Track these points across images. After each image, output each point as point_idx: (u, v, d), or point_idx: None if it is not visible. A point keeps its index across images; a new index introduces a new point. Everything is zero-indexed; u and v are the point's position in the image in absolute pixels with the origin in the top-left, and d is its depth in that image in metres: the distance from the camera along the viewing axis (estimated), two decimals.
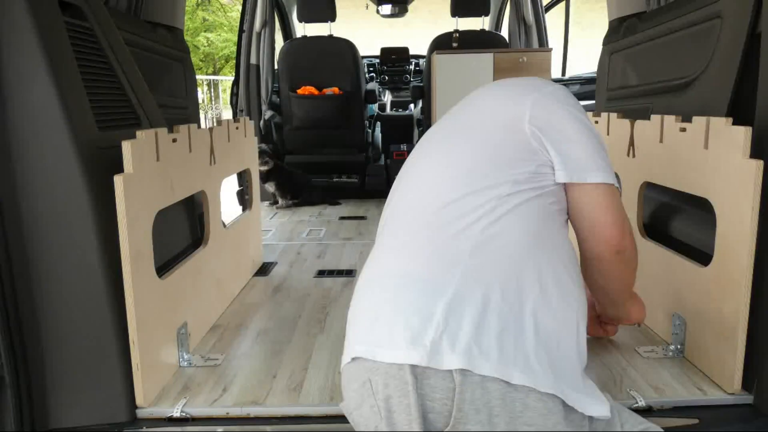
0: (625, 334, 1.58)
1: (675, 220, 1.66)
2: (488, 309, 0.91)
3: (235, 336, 1.64)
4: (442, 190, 1.02)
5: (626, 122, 1.68)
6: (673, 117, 1.36)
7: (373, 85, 5.00)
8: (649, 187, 1.68)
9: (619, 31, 2.24)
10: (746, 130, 1.19)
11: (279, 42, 4.47)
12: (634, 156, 1.71)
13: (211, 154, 1.71)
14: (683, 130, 1.31)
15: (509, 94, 1.12)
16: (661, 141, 1.49)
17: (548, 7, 4.55)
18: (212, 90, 13.96)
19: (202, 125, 2.03)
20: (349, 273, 2.22)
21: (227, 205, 2.73)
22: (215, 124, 1.81)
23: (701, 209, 1.47)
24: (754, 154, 1.21)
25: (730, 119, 1.25)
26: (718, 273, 1.29)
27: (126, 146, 1.19)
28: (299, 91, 3.88)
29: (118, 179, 1.15)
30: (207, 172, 1.68)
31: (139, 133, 1.25)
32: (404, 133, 4.67)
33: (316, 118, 3.83)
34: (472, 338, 0.88)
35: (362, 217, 3.30)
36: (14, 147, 1.14)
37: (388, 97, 5.31)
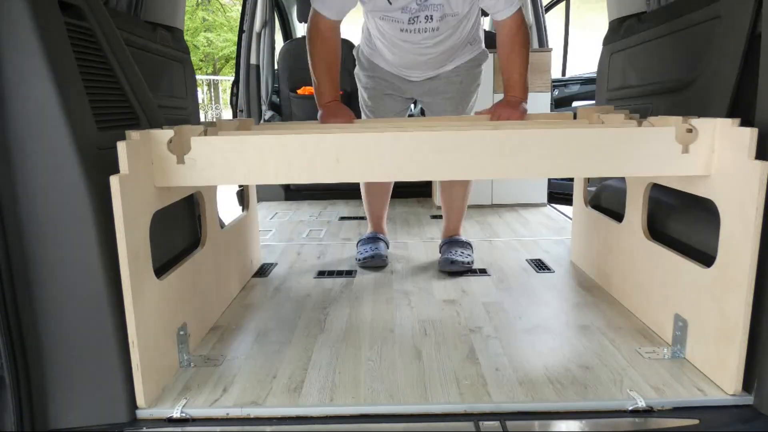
0: (626, 335, 1.59)
1: (679, 221, 1.66)
2: None
3: (235, 336, 1.64)
4: None
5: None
6: (680, 118, 1.37)
7: None
8: (654, 188, 1.68)
9: (619, 31, 2.24)
10: (752, 131, 1.19)
11: (279, 42, 4.47)
12: None
13: None
14: (690, 130, 1.31)
15: None
16: None
17: (548, 7, 4.55)
18: (212, 90, 13.97)
19: None
20: (349, 273, 2.22)
21: (228, 206, 2.73)
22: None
23: (706, 210, 1.46)
24: (757, 155, 1.21)
25: (737, 120, 1.25)
26: (721, 274, 1.29)
27: (121, 147, 1.19)
28: (299, 92, 3.88)
29: (113, 180, 1.15)
30: None
31: (131, 133, 1.25)
32: None
33: (317, 118, 3.82)
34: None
35: (362, 218, 3.30)
36: (14, 147, 1.14)
37: None
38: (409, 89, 2.22)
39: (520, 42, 1.93)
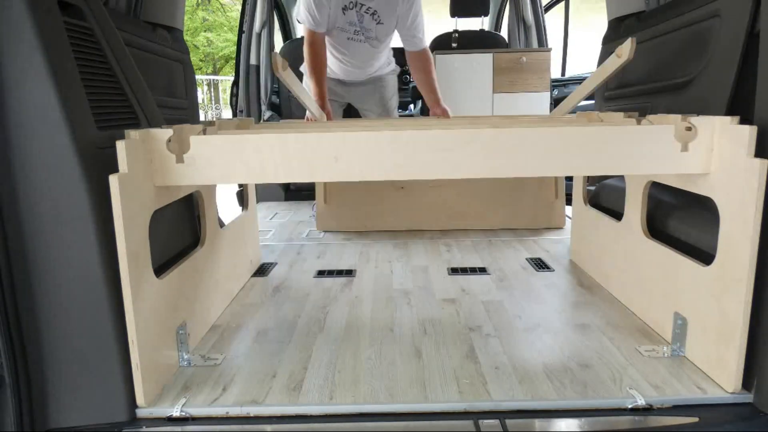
0: (625, 333, 1.59)
1: (678, 219, 1.66)
2: None
3: (234, 336, 1.64)
4: None
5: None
6: (679, 116, 1.37)
7: None
8: (653, 187, 1.68)
9: (618, 30, 2.24)
10: (751, 129, 1.19)
11: (279, 42, 4.47)
12: None
13: None
14: (689, 129, 1.31)
15: None
16: None
17: (548, 7, 4.55)
18: (212, 90, 13.98)
19: None
20: (349, 273, 2.22)
21: (228, 206, 2.73)
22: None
23: (705, 209, 1.47)
24: (756, 152, 1.21)
25: (736, 118, 1.25)
26: (721, 272, 1.29)
27: (120, 146, 1.19)
28: None
29: (113, 179, 1.16)
30: None
31: (131, 132, 1.25)
32: None
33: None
34: None
35: None
36: (14, 147, 1.14)
37: None
38: (345, 94, 3.08)
39: (432, 68, 2.92)
